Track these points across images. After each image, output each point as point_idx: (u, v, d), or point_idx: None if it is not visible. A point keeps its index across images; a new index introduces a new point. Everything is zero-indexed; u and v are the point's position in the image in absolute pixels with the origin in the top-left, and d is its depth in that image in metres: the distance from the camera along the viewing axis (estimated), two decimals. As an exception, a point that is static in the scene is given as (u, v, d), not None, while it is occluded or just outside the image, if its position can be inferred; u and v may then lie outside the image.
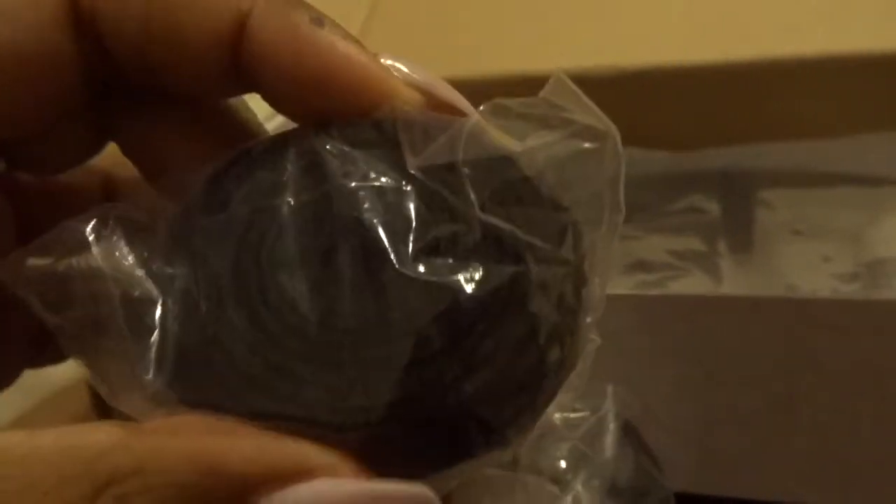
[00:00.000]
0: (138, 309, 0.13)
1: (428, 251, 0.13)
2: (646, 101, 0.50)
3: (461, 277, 0.13)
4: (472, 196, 0.14)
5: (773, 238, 0.36)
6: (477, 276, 0.13)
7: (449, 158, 0.14)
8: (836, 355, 0.27)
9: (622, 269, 0.35)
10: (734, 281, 0.33)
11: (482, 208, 0.14)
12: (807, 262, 0.33)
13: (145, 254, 0.14)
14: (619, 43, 0.52)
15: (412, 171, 0.14)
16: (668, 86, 0.49)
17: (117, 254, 0.14)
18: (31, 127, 0.15)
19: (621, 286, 0.34)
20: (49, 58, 0.15)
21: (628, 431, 0.28)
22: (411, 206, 0.13)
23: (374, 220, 0.13)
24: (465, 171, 0.14)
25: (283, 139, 0.15)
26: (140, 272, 0.13)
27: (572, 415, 0.27)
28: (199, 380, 0.13)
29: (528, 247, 0.14)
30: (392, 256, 0.13)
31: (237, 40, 0.14)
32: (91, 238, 0.14)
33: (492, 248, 0.14)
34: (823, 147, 0.42)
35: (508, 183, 0.14)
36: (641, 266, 0.35)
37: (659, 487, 0.28)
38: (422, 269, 0.13)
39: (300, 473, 0.11)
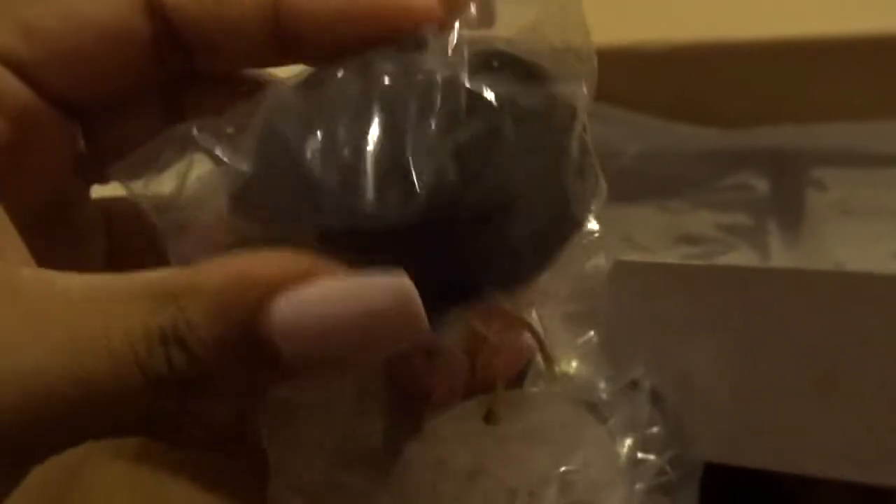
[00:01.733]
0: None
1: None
2: (698, 77, 0.50)
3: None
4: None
5: (823, 217, 0.35)
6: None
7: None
8: (881, 332, 0.27)
9: (669, 242, 0.35)
10: (782, 257, 0.34)
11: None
12: (856, 241, 0.33)
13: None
14: (671, 17, 0.52)
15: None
16: (721, 62, 0.49)
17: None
18: (110, 96, 0.18)
19: (668, 258, 0.34)
20: (126, 33, 0.17)
21: (656, 400, 0.28)
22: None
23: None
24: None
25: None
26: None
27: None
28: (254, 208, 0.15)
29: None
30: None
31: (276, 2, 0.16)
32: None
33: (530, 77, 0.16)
34: (874, 128, 0.42)
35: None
36: (688, 239, 0.35)
37: (685, 457, 0.28)
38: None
39: (306, 277, 0.14)
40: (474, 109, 0.15)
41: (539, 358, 0.19)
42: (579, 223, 0.17)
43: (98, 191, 0.19)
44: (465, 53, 0.16)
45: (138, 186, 0.16)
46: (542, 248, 0.16)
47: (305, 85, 0.16)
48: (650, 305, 0.30)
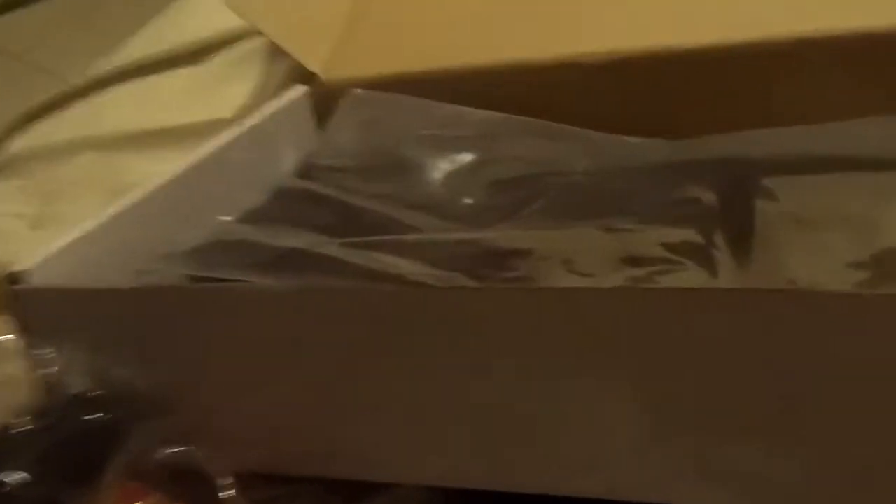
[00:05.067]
0: None
1: None
2: (642, 88, 0.48)
3: None
4: None
5: (775, 229, 0.33)
6: None
7: None
8: (846, 357, 0.25)
9: (612, 265, 0.32)
10: (732, 275, 0.31)
11: None
12: (809, 252, 0.31)
13: None
14: (614, 28, 0.50)
15: None
16: (665, 71, 0.47)
17: None
18: None
19: (611, 282, 0.32)
20: None
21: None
22: None
23: None
24: None
25: None
26: None
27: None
28: None
29: None
30: None
31: None
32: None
33: None
34: (826, 131, 0.40)
35: None
36: (632, 261, 0.33)
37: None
38: None
39: None
40: None
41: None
42: None
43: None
44: None
45: None
46: None
47: None
48: (593, 332, 0.28)
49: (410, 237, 0.40)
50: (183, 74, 0.57)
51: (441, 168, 0.48)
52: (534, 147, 0.49)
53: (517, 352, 0.28)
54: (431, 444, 0.31)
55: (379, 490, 0.33)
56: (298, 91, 0.51)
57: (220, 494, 0.29)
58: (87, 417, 0.29)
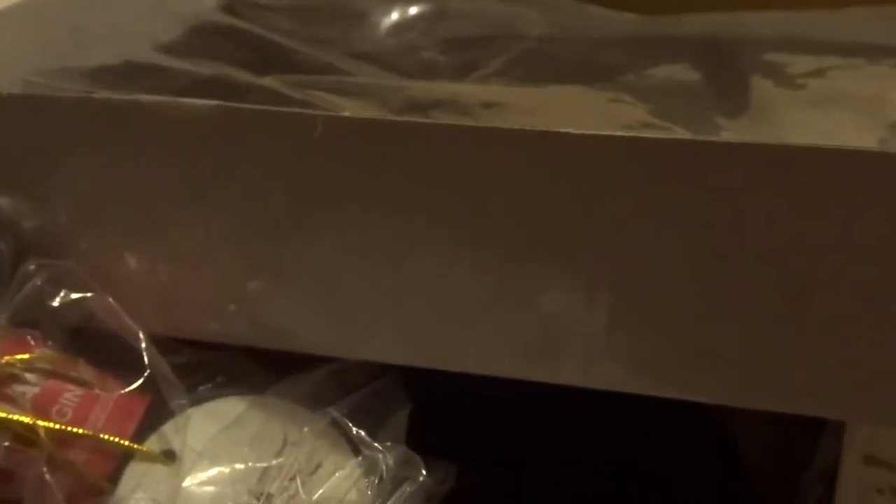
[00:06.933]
0: None
1: None
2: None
3: None
4: None
5: (774, 107, 0.30)
6: None
7: None
8: (869, 228, 0.22)
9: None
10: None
11: None
12: (816, 131, 0.28)
13: None
14: None
15: None
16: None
17: None
18: None
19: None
20: None
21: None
22: None
23: None
24: None
25: None
26: None
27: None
28: None
29: None
30: None
31: None
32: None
33: None
34: (823, 17, 0.37)
35: None
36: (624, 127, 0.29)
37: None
38: None
39: None
40: None
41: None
42: None
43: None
44: None
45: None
46: None
47: None
48: (592, 187, 0.24)
49: (355, 79, 0.34)
50: None
51: (388, 19, 0.42)
52: (487, 5, 0.44)
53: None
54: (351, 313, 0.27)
55: (312, 365, 0.28)
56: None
57: (138, 355, 0.24)
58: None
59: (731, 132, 0.28)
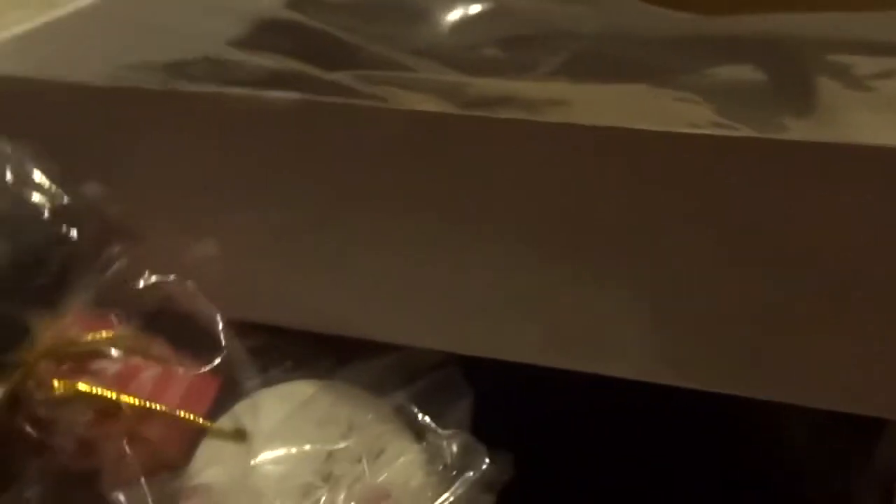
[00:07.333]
0: None
1: None
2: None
3: None
4: None
5: (843, 108, 0.30)
6: None
7: None
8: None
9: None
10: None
11: None
12: (889, 131, 0.28)
13: None
14: None
15: None
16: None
17: None
18: None
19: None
20: None
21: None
22: None
23: None
24: None
25: None
26: None
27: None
28: None
29: None
30: None
31: None
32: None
33: None
34: (872, 18, 0.37)
35: None
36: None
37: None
38: None
39: None
40: None
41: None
42: None
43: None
44: None
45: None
46: None
47: None
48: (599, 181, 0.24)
49: (420, 75, 0.35)
50: None
51: (449, 17, 0.43)
52: (545, 4, 0.44)
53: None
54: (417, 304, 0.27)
55: (378, 351, 0.29)
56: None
57: (215, 338, 0.25)
58: (47, 231, 0.24)
59: (797, 133, 0.28)
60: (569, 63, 0.39)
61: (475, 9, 0.43)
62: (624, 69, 0.38)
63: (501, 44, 0.41)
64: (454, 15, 0.43)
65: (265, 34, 0.40)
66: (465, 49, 0.40)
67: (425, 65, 0.38)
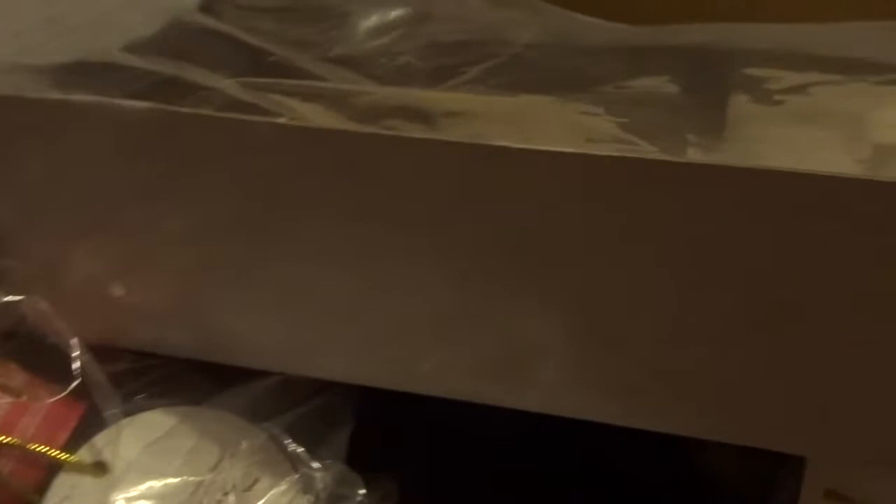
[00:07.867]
0: None
1: None
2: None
3: None
4: None
5: (751, 123, 0.29)
6: None
7: None
8: (843, 255, 0.21)
9: (570, 141, 0.27)
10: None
11: None
12: (794, 149, 0.26)
13: None
14: None
15: None
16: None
17: None
18: None
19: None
20: None
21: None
22: None
23: None
24: None
25: None
26: None
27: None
28: None
29: None
30: None
31: None
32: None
33: None
34: (813, 31, 0.36)
35: None
36: (592, 142, 0.28)
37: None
38: None
39: None
40: None
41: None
42: None
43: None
44: None
45: None
46: None
47: None
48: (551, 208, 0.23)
49: (319, 84, 0.33)
50: None
51: (369, 22, 0.41)
52: (476, 10, 0.43)
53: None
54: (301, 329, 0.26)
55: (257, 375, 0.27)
56: None
57: (72, 362, 0.23)
58: None
59: (699, 149, 0.27)
60: (489, 72, 0.37)
61: (396, 13, 0.42)
62: (543, 79, 0.37)
63: (421, 51, 0.40)
64: (374, 20, 0.41)
65: (174, 37, 0.38)
66: (381, 56, 0.39)
67: (336, 72, 0.36)
